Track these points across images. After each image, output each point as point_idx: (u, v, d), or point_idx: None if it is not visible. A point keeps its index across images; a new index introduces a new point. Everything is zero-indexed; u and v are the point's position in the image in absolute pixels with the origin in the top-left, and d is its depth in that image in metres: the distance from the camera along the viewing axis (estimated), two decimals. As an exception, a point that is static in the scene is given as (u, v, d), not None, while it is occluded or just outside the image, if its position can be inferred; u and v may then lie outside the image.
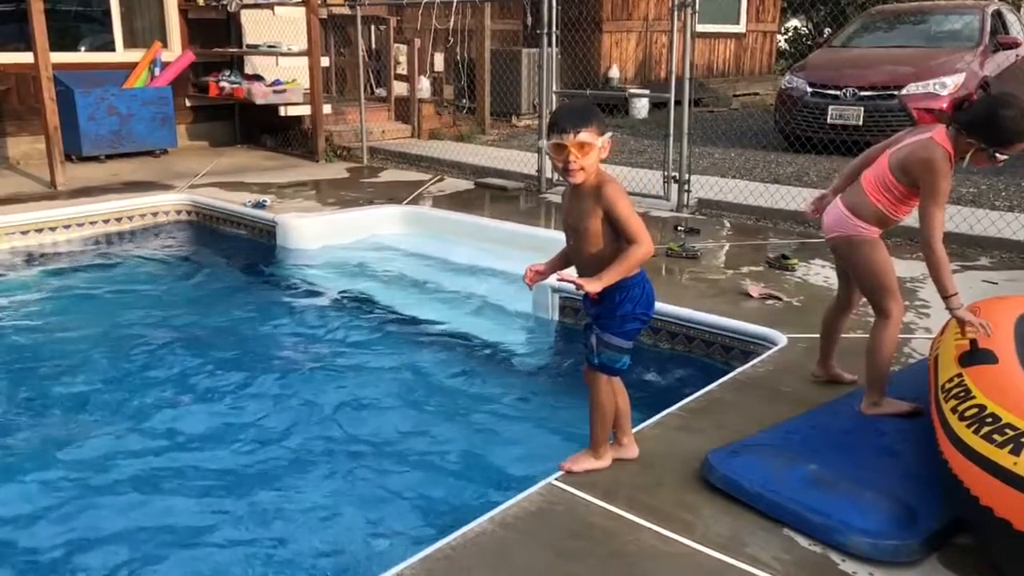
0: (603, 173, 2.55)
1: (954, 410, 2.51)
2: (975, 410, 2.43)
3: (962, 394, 2.55)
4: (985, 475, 2.23)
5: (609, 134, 2.52)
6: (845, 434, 3.00)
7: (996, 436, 2.27)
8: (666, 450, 2.97)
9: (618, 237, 2.55)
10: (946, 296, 2.87)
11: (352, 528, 3.07)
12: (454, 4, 11.73)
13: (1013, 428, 2.27)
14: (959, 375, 2.66)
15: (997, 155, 2.85)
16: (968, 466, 2.31)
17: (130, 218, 7.17)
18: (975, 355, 2.71)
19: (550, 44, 7.58)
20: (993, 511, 2.19)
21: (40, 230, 6.68)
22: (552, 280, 2.85)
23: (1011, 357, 2.63)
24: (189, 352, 4.65)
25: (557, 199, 6.50)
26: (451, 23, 11.92)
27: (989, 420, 2.35)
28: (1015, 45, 10.11)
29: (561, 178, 2.52)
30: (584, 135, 2.45)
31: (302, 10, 9.41)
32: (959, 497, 2.36)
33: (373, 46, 11.98)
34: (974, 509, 2.28)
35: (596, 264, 2.58)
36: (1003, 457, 2.20)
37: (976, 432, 2.34)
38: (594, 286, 2.49)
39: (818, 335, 3.52)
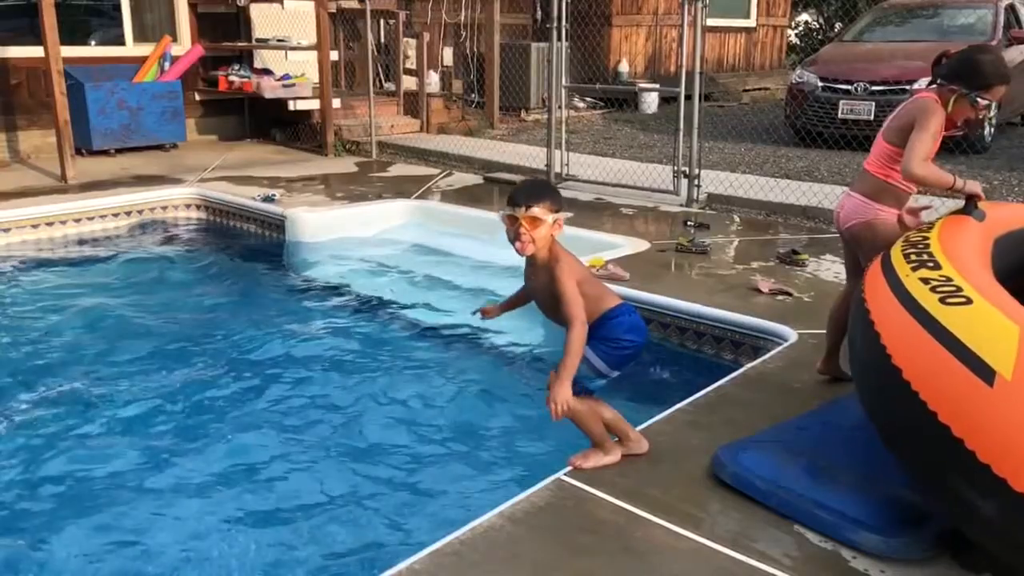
0: (557, 251, 2.62)
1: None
2: (918, 240, 2.63)
3: (923, 228, 2.77)
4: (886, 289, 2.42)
5: (564, 214, 2.60)
6: (856, 430, 2.97)
7: (913, 256, 2.50)
8: (675, 446, 2.96)
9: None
10: (951, 187, 2.88)
11: (359, 523, 3.08)
12: (463, -2, 11.74)
13: (931, 256, 2.47)
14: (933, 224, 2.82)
15: (979, 100, 2.90)
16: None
17: (140, 212, 7.20)
18: (967, 207, 2.83)
19: (559, 38, 7.55)
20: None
21: (51, 223, 6.71)
22: None
23: (990, 234, 2.77)
24: (198, 346, 4.67)
25: (567, 193, 6.49)
26: (460, 17, 11.92)
27: (920, 247, 2.55)
28: (1029, 40, 10.02)
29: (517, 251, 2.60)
30: (536, 210, 2.53)
31: (311, 4, 9.41)
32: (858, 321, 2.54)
33: (382, 40, 11.96)
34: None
35: None
36: (903, 267, 2.43)
37: (902, 252, 2.56)
38: (561, 390, 2.50)
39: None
